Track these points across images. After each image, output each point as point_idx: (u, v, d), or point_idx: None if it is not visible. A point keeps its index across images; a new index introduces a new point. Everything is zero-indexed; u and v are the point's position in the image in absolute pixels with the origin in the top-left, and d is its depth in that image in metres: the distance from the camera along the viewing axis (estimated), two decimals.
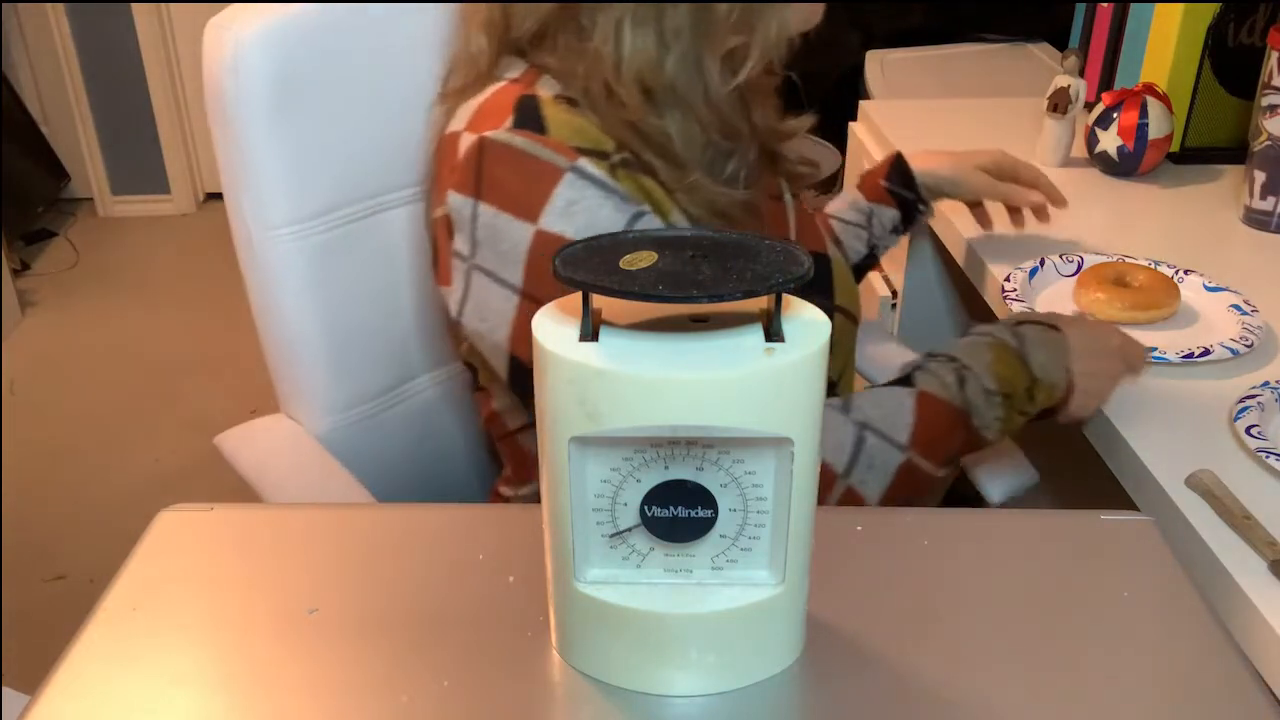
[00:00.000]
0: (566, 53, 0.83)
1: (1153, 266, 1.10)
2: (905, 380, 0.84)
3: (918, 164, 1.14)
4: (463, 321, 0.86)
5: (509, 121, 0.81)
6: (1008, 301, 1.06)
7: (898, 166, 1.14)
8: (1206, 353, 0.96)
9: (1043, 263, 1.13)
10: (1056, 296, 1.09)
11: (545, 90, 0.83)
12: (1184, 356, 0.96)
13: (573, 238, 0.80)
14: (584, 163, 0.80)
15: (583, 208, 0.80)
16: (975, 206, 1.20)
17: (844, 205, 1.17)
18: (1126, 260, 1.11)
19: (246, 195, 0.94)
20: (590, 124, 0.82)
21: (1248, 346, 0.97)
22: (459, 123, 0.84)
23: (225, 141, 0.93)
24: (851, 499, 0.81)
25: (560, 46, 0.83)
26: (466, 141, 0.82)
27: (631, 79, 0.81)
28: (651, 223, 0.82)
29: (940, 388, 0.82)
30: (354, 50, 0.96)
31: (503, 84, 0.84)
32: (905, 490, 0.82)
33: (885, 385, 0.85)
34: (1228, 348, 0.97)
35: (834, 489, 0.80)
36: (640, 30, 0.80)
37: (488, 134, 0.81)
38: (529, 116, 0.81)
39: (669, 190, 0.84)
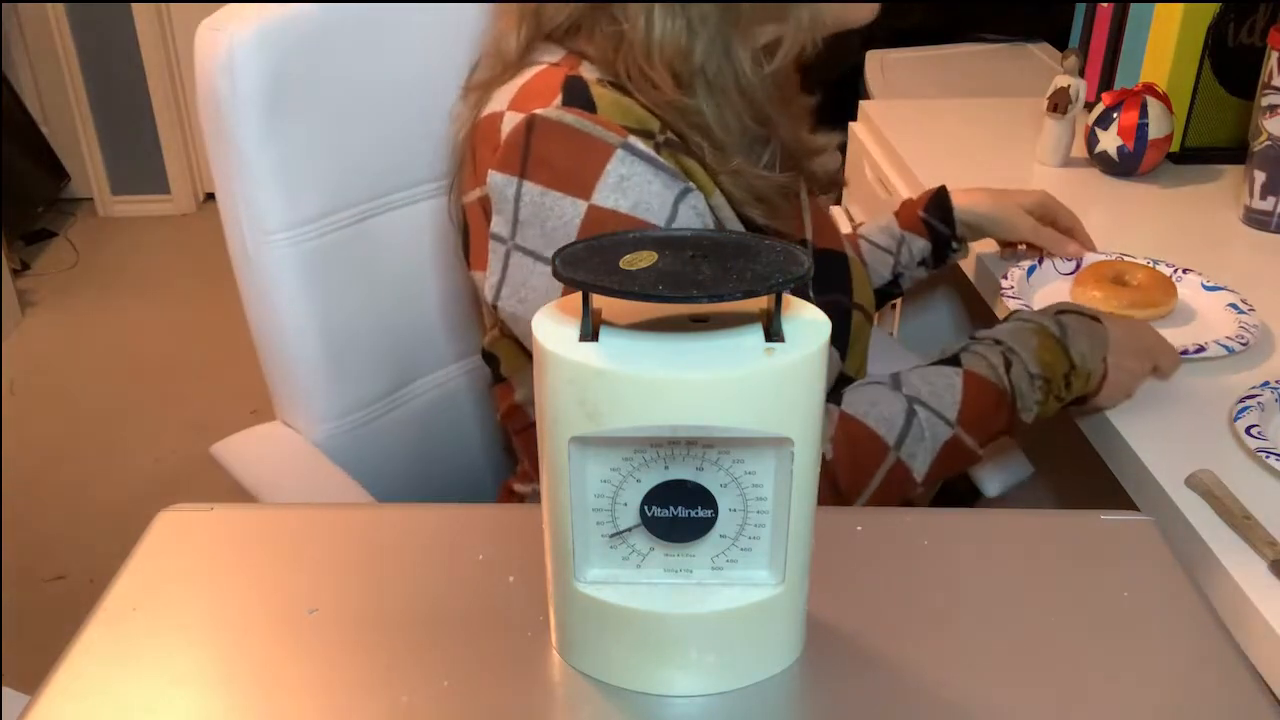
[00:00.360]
0: (601, 40, 0.84)
1: (1151, 265, 1.10)
2: (953, 360, 0.86)
3: (960, 200, 1.13)
4: (500, 305, 0.86)
5: (558, 100, 0.82)
6: (1004, 299, 1.06)
7: (938, 199, 1.13)
8: (1201, 350, 0.96)
9: (1041, 260, 1.13)
10: (1054, 294, 1.09)
11: (588, 73, 0.84)
12: (1179, 354, 0.96)
13: (626, 213, 0.80)
14: (634, 140, 0.81)
15: (635, 183, 0.81)
16: (1007, 245, 1.19)
17: (876, 229, 1.16)
18: (1125, 259, 1.11)
19: (241, 200, 0.93)
20: (635, 105, 0.83)
21: (1243, 344, 0.97)
22: (499, 104, 0.85)
23: (218, 145, 0.92)
24: (900, 472, 0.83)
25: (596, 35, 0.85)
26: (511, 121, 0.83)
27: (663, 65, 0.82)
28: (698, 201, 0.83)
29: (987, 369, 0.84)
30: (349, 53, 0.96)
31: (543, 67, 0.85)
32: (949, 466, 0.84)
33: (932, 364, 0.86)
34: (1223, 345, 0.96)
35: (885, 460, 0.82)
36: (669, 17, 0.82)
37: (538, 111, 0.81)
38: (578, 95, 0.82)
39: (712, 173, 0.85)
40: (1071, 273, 1.12)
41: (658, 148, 0.83)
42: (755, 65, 0.85)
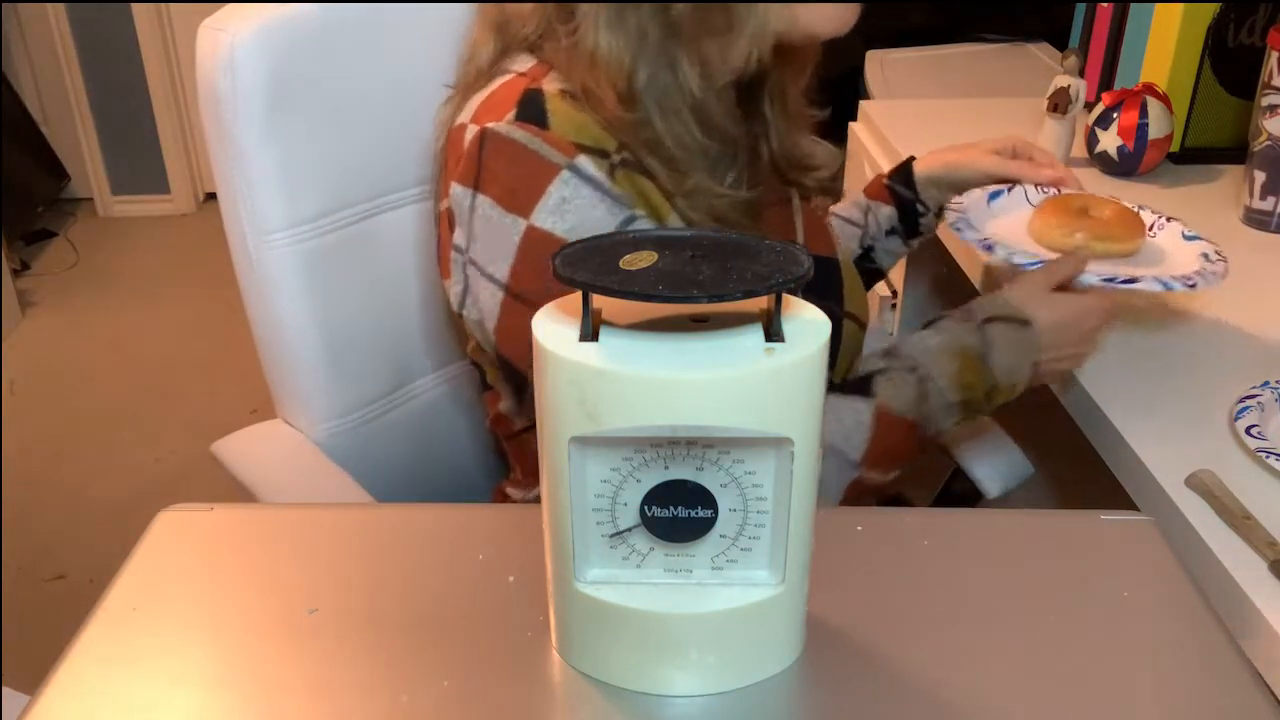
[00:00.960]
0: (559, 52, 0.83)
1: (1128, 207, 1.04)
2: (866, 383, 0.84)
3: (925, 161, 1.13)
4: (464, 315, 0.86)
5: (511, 114, 0.81)
6: (952, 225, 1.00)
7: (904, 166, 1.14)
8: (1131, 281, 0.91)
9: (1011, 188, 1.08)
10: (1012, 225, 1.03)
11: (552, 85, 0.83)
12: (1104, 279, 0.91)
13: (562, 236, 0.80)
14: (582, 161, 0.80)
15: (575, 206, 0.80)
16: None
17: (846, 204, 1.17)
18: (1098, 196, 1.06)
19: (241, 199, 0.93)
20: (591, 121, 0.81)
21: (1189, 285, 0.91)
22: (466, 114, 0.84)
23: (219, 145, 0.92)
24: None
25: (559, 46, 0.83)
26: (470, 133, 0.82)
27: (608, 81, 0.80)
28: (643, 227, 0.82)
29: (901, 404, 0.83)
30: (349, 53, 0.96)
31: (510, 77, 0.84)
32: (853, 500, 0.85)
33: (844, 393, 0.85)
34: (1161, 281, 0.91)
35: None
36: (610, 31, 0.80)
37: (489, 125, 0.81)
38: (532, 110, 0.81)
39: (668, 194, 0.83)
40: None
41: (613, 168, 0.81)
42: (706, 80, 0.82)
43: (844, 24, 0.85)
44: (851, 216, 1.15)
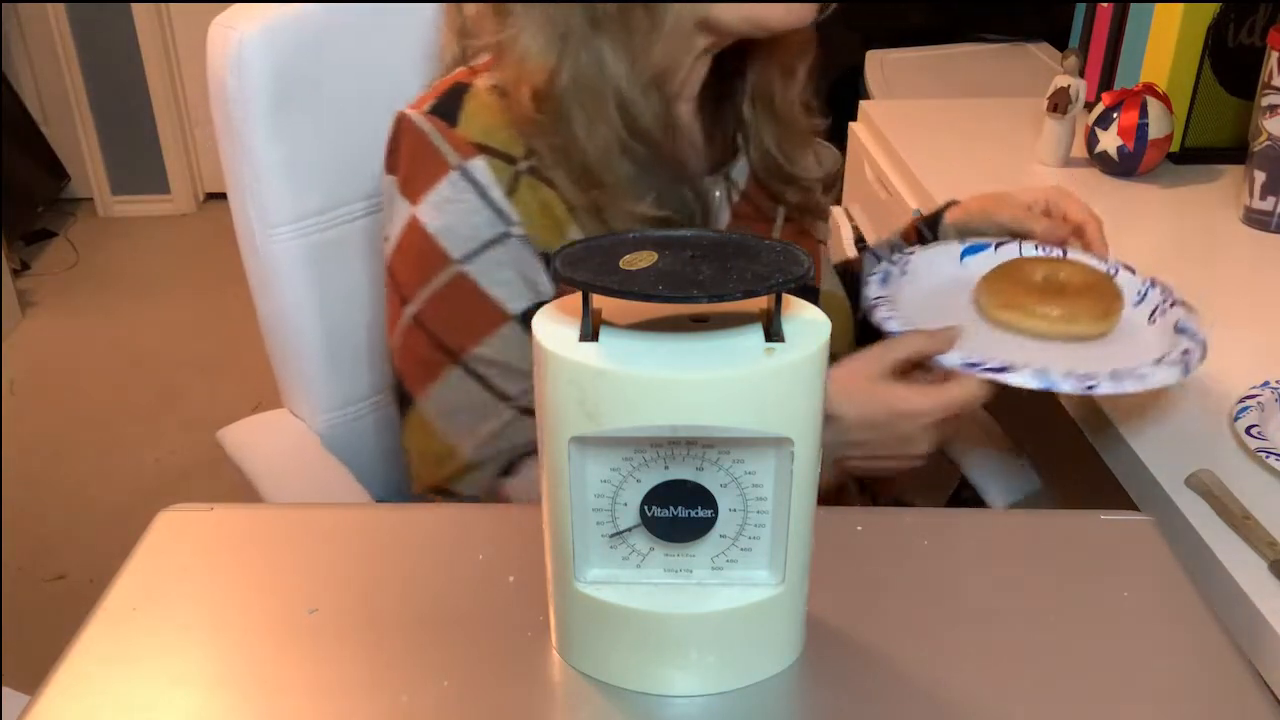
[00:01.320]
0: (491, 47, 0.83)
1: (1107, 271, 0.89)
2: None
3: (962, 205, 1.02)
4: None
5: (429, 105, 0.82)
6: (864, 274, 0.88)
7: (940, 208, 1.04)
8: (1003, 369, 0.74)
9: (1000, 244, 0.92)
10: (962, 293, 0.88)
11: (485, 80, 0.82)
12: (967, 363, 0.75)
13: (433, 233, 0.81)
14: (477, 164, 0.80)
15: (453, 208, 0.80)
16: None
17: (883, 239, 1.10)
18: (1077, 259, 0.90)
19: (248, 193, 0.95)
20: (505, 124, 0.81)
21: (1087, 388, 0.74)
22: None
23: (227, 140, 0.93)
24: None
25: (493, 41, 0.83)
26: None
27: (526, 78, 0.79)
28: (516, 252, 0.81)
29: None
30: (354, 50, 0.97)
31: (460, 70, 0.85)
32: None
33: None
34: (1045, 377, 0.74)
35: None
36: (536, 27, 0.79)
37: (405, 111, 0.82)
38: (446, 104, 0.82)
39: (571, 205, 0.81)
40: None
41: (517, 175, 0.80)
42: (633, 80, 0.79)
43: (798, 14, 0.80)
44: (881, 253, 1.07)
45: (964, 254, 0.93)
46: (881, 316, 0.82)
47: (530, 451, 0.83)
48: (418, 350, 0.83)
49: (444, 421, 0.83)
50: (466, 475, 0.83)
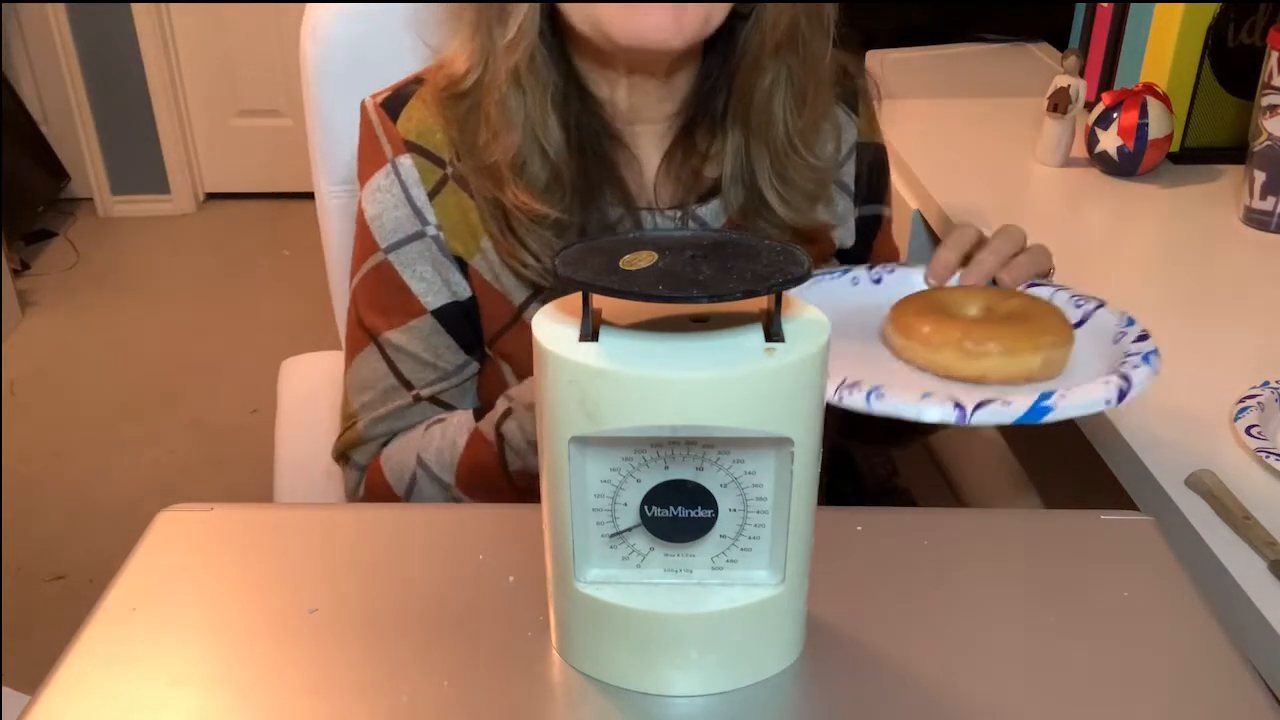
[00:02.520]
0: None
1: (1052, 297, 0.76)
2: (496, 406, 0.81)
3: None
4: None
5: (383, 97, 0.85)
6: None
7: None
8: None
9: (859, 271, 0.81)
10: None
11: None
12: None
13: (367, 220, 0.84)
14: (405, 160, 0.82)
15: (382, 198, 0.83)
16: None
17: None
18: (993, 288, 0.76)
19: (319, 152, 1.04)
20: (440, 128, 0.82)
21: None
22: None
23: (307, 102, 1.03)
24: None
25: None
26: None
27: (446, 79, 0.80)
28: (427, 249, 0.83)
29: (488, 424, 0.80)
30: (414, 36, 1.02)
31: (427, 67, 0.86)
32: None
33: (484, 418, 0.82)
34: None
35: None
36: (466, 32, 0.79)
37: (366, 99, 0.85)
38: (395, 99, 0.84)
39: (483, 215, 0.81)
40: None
41: (445, 179, 0.82)
42: (522, 74, 0.76)
43: (643, 24, 0.70)
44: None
45: (824, 277, 0.81)
46: None
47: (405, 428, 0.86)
48: (350, 321, 0.88)
49: (354, 391, 0.87)
50: (360, 446, 0.87)
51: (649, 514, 0.48)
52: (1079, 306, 0.76)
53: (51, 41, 3.34)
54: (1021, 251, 0.77)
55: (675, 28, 0.71)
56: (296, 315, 2.77)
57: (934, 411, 0.62)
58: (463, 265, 0.84)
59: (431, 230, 0.82)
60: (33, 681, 0.51)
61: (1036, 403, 0.62)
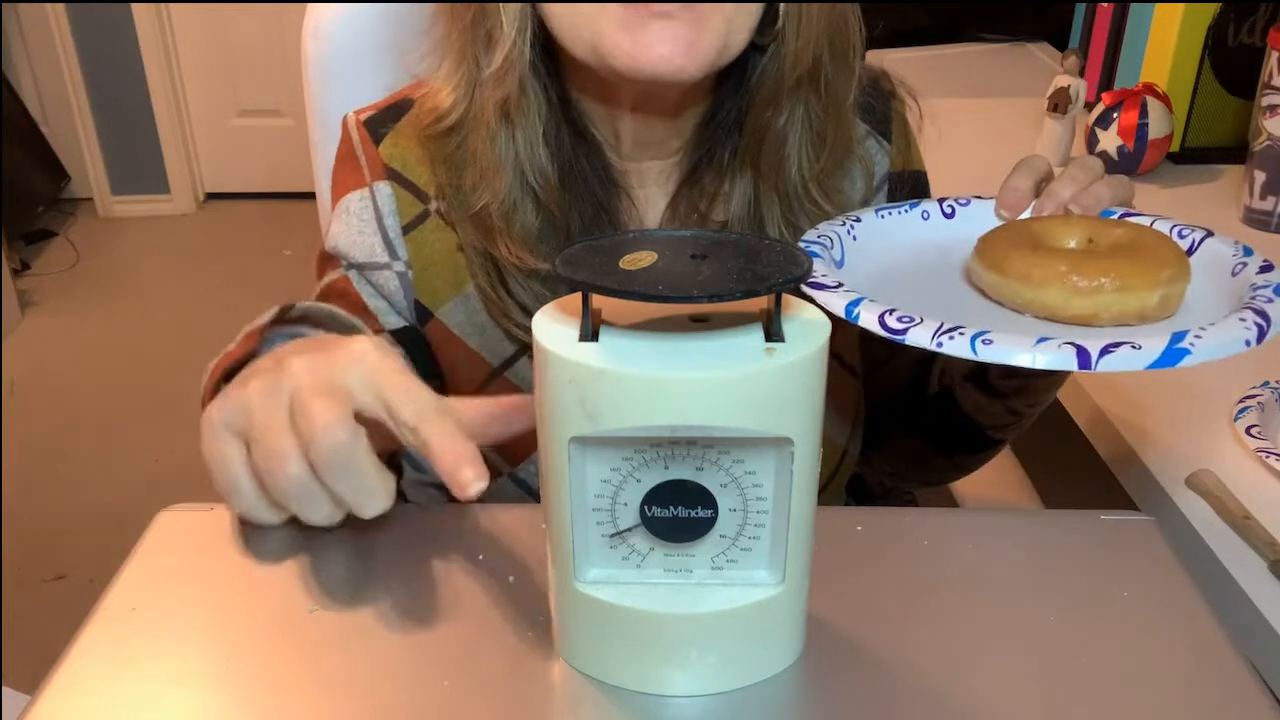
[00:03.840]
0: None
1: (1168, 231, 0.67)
2: None
3: None
4: None
5: (368, 114, 0.81)
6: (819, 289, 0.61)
7: None
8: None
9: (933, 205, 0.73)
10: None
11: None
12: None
13: (331, 238, 0.80)
14: (382, 188, 0.78)
15: (350, 222, 0.79)
16: None
17: None
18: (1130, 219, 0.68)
19: (319, 149, 1.04)
20: (425, 160, 0.77)
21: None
22: None
23: (306, 104, 1.03)
24: None
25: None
26: None
27: (430, 103, 0.75)
28: (396, 283, 0.78)
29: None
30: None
31: (417, 83, 0.82)
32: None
33: None
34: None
35: None
36: (453, 57, 0.73)
37: (349, 114, 0.81)
38: (381, 119, 0.80)
39: (470, 261, 0.76)
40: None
41: (426, 214, 0.77)
42: (511, 109, 0.70)
43: (650, 54, 0.63)
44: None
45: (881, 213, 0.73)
46: (841, 303, 0.59)
47: None
48: None
49: None
50: None
51: (649, 514, 0.48)
52: (1183, 237, 0.67)
53: (51, 41, 3.35)
54: (1099, 180, 0.69)
55: (688, 57, 0.64)
56: None
57: (1050, 357, 0.53)
58: (425, 314, 0.78)
59: (400, 266, 0.78)
60: (33, 681, 0.51)
61: (1170, 345, 0.54)
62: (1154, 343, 0.54)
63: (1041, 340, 0.54)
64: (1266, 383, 0.90)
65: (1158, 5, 1.40)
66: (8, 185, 3.12)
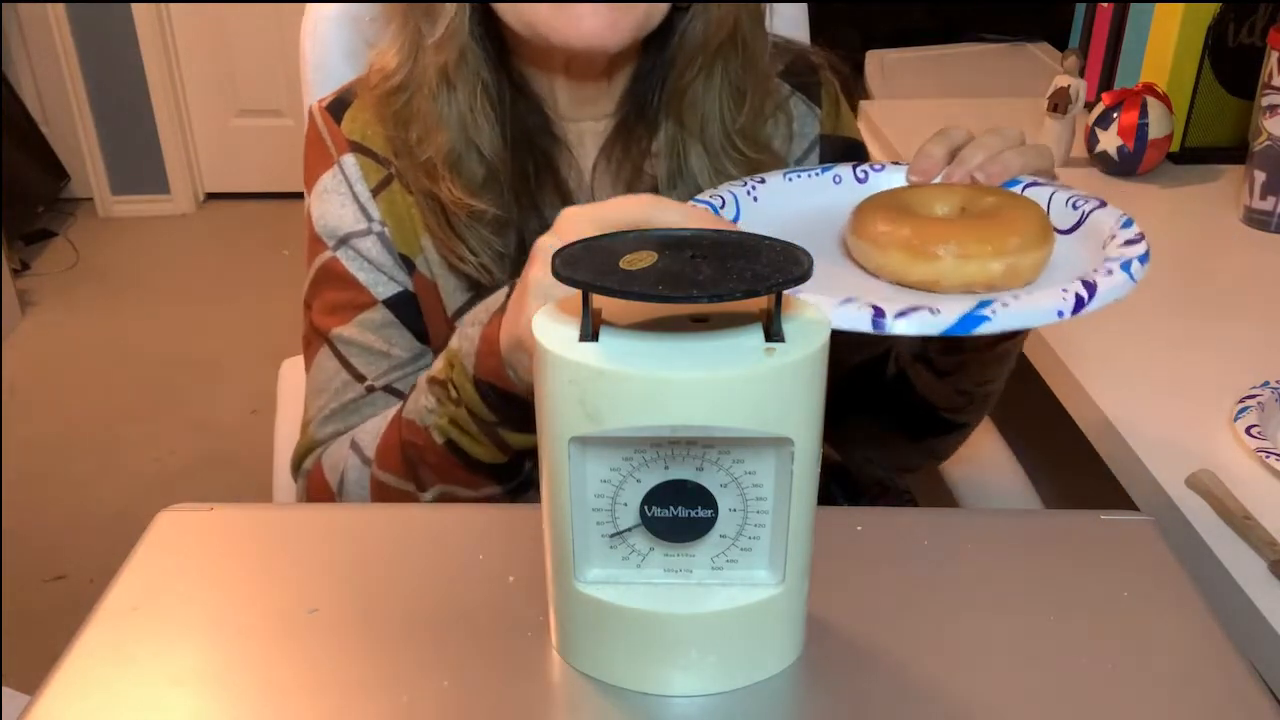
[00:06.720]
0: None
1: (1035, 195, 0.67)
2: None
3: None
4: None
5: (328, 101, 0.85)
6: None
7: None
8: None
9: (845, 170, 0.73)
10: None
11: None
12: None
13: (314, 221, 0.84)
14: (348, 160, 0.82)
15: (328, 198, 0.83)
16: None
17: None
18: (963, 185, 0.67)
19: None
20: (382, 131, 0.82)
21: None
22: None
23: (306, 104, 1.03)
24: (378, 495, 0.80)
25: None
26: None
27: (378, 76, 0.80)
28: (378, 244, 0.82)
29: (410, 401, 0.76)
30: None
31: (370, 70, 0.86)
32: (392, 499, 0.77)
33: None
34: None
35: (337, 498, 0.81)
36: (396, 29, 0.79)
37: (312, 105, 0.86)
38: (340, 102, 0.85)
39: (424, 214, 0.81)
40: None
41: (389, 178, 0.82)
42: (451, 73, 0.76)
43: (581, 26, 0.70)
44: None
45: (789, 176, 0.72)
46: None
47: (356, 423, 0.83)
48: (305, 330, 0.87)
49: (310, 398, 0.86)
50: (310, 453, 0.84)
51: (649, 514, 0.48)
52: (1076, 208, 0.66)
53: (51, 41, 3.34)
54: (1010, 149, 0.69)
55: (611, 31, 0.71)
56: (296, 315, 2.76)
57: (847, 317, 0.53)
58: (409, 264, 0.83)
59: (376, 227, 0.82)
60: (33, 681, 0.51)
61: (971, 311, 0.52)
62: (954, 307, 0.53)
63: (847, 301, 0.54)
64: (1266, 383, 0.90)
65: (1158, 5, 1.40)
66: (8, 185, 3.12)
